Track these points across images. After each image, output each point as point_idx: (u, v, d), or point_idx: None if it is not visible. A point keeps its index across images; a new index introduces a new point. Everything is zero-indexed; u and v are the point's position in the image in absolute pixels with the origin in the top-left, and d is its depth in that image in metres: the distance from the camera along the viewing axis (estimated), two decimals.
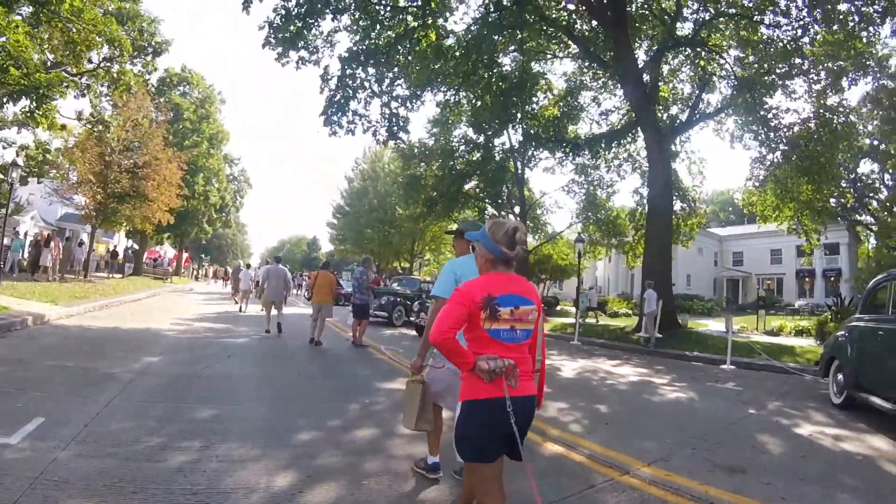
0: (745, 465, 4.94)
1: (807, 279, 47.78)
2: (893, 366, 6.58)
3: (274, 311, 13.50)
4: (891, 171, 32.35)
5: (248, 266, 23.82)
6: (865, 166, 34.96)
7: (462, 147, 27.27)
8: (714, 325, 24.92)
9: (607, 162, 26.20)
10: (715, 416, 7.24)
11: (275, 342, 12.26)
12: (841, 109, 19.47)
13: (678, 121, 22.54)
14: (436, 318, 2.54)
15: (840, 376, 7.92)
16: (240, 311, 19.64)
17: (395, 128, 19.42)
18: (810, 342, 17.33)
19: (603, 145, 23.63)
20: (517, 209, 28.14)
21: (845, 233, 41.65)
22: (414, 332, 15.98)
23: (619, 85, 22.62)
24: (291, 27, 17.63)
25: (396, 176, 33.64)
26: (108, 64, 21.39)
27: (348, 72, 18.16)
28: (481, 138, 25.86)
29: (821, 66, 18.17)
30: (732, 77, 20.55)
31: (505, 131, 25.71)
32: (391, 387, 7.85)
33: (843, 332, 8.30)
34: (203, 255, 72.05)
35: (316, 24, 17.97)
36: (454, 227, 37.43)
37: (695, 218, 24.89)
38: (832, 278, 45.69)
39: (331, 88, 18.44)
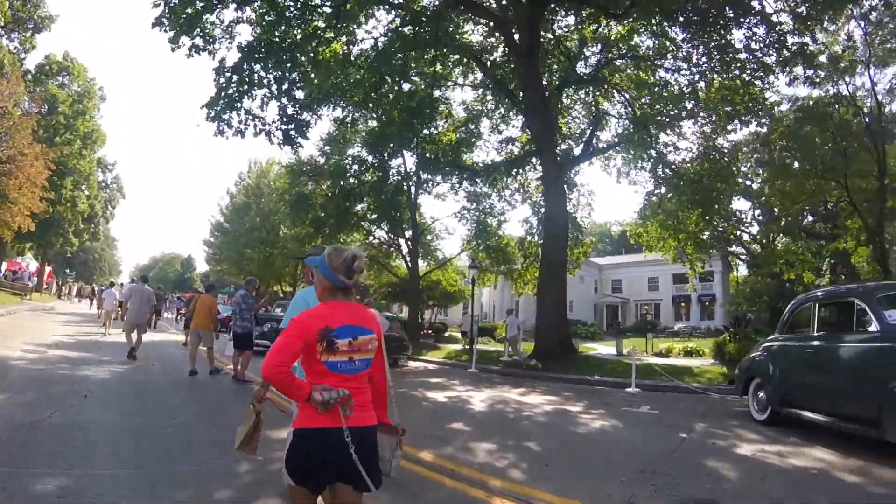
0: (715, 497, 4.75)
1: (682, 304, 51.78)
2: (823, 382, 6.88)
3: (135, 335, 12.37)
4: (761, 208, 35.59)
5: (113, 285, 22.00)
6: (737, 203, 38.46)
7: (355, 167, 26.18)
8: (602, 349, 25.54)
9: (499, 191, 26.43)
10: (651, 445, 6.88)
11: (142, 377, 10.34)
12: (726, 150, 21.04)
13: (572, 154, 23.03)
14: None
15: (762, 394, 8.13)
16: (104, 334, 17.72)
17: (294, 132, 17.74)
18: (703, 362, 18.22)
19: (502, 171, 23.52)
20: (408, 233, 27.45)
21: (719, 262, 45.11)
22: None
23: (518, 115, 23.09)
24: (189, 9, 15.69)
25: (283, 193, 31.05)
26: None
27: (246, 66, 16.31)
28: (376, 158, 24.97)
29: (714, 110, 19.25)
30: (627, 115, 21.61)
31: (402, 154, 25.11)
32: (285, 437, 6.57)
33: (760, 353, 8.53)
34: (67, 271, 63.21)
35: (218, 9, 16.20)
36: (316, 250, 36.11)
37: (581, 247, 25.45)
38: (707, 303, 49.94)
39: (225, 79, 16.36)
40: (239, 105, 16.56)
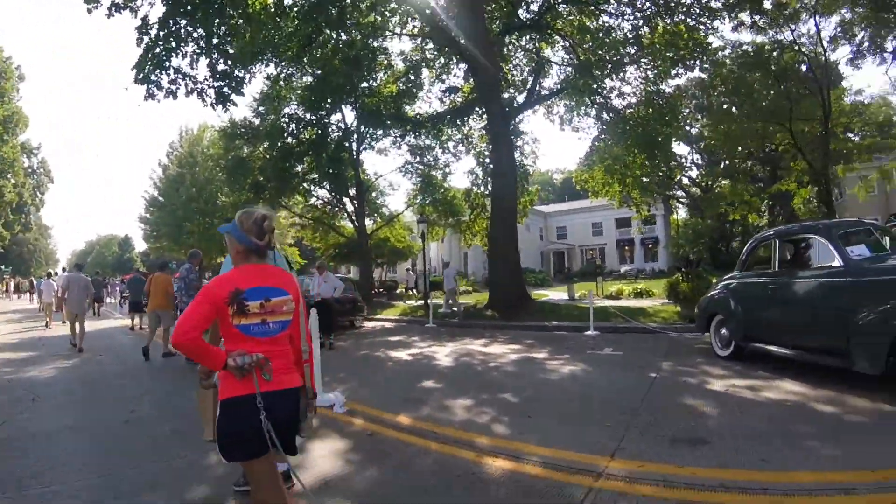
0: (701, 435, 4.66)
1: (626, 247, 53.39)
2: (788, 316, 7.02)
3: (78, 326, 11.97)
4: (700, 153, 36.46)
5: (50, 275, 21.42)
6: (677, 148, 39.65)
7: (293, 126, 24.85)
8: (554, 295, 25.89)
9: (443, 143, 26.02)
10: (625, 388, 6.86)
11: (91, 370, 9.64)
12: (668, 94, 21.17)
13: (516, 102, 22.70)
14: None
15: (724, 331, 8.35)
16: (45, 326, 17.56)
17: (227, 90, 16.48)
18: (654, 302, 18.76)
19: (446, 122, 23.01)
20: (353, 192, 26.73)
21: (661, 205, 46.21)
22: None
23: (460, 64, 22.43)
24: None
25: (218, 159, 29.49)
26: None
27: (172, 22, 14.96)
28: (314, 116, 23.90)
29: (658, 55, 19.23)
30: (570, 62, 21.32)
31: (341, 109, 24.19)
32: None
33: (720, 290, 8.72)
34: (3, 267, 58.59)
35: None
36: (282, 213, 35.24)
37: (527, 196, 25.41)
38: (650, 245, 51.75)
39: (150, 39, 14.93)
40: (168, 64, 15.23)
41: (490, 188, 21.43)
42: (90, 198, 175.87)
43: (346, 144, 25.37)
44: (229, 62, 16.21)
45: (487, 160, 23.87)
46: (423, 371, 8.83)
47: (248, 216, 2.58)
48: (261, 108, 26.06)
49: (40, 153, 42.85)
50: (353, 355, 11.02)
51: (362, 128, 25.09)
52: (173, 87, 15.57)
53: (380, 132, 25.48)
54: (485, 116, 21.12)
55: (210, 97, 16.31)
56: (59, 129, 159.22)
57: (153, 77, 15.20)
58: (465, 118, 23.00)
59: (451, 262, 49.44)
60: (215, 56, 15.64)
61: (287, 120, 24.96)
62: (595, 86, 19.30)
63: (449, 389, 7.19)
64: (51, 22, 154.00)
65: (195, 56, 15.42)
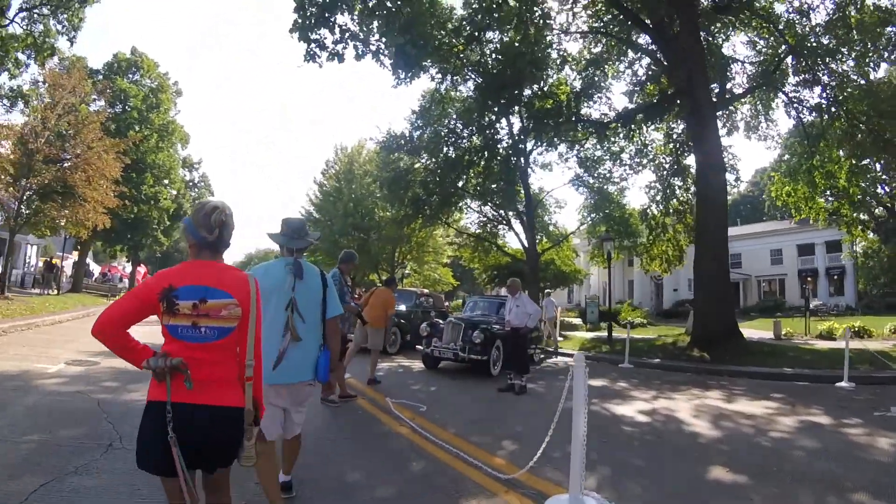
0: None
1: (809, 279, 45.80)
2: None
3: None
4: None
5: None
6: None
7: (458, 132, 22.92)
8: (748, 332, 21.51)
9: (615, 155, 23.06)
10: None
11: None
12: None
13: (721, 93, 18.88)
14: None
15: None
16: None
17: (410, 47, 14.15)
18: (886, 344, 15.26)
19: (638, 120, 19.71)
20: (520, 207, 24.27)
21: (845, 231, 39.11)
22: (419, 364, 11.86)
23: (641, 60, 19.82)
24: None
25: (378, 173, 28.42)
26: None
27: None
28: (484, 120, 21.79)
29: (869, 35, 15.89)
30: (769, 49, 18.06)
31: (508, 115, 21.82)
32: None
33: None
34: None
35: None
36: (439, 231, 33.71)
37: None
38: (836, 277, 44.39)
39: None
40: (332, 18, 13.52)
41: (694, 194, 17.97)
42: (250, 213, 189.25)
43: (513, 156, 22.95)
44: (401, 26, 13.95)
45: (666, 173, 20.72)
46: (686, 446, 5.85)
47: (198, 209, 2.35)
48: (418, 122, 24.76)
49: (201, 167, 45.41)
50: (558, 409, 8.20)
51: (531, 136, 22.52)
52: (340, 49, 13.87)
53: (551, 139, 22.57)
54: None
55: (387, 58, 14.36)
56: (222, 148, 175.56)
57: (314, 34, 13.52)
58: (662, 115, 19.28)
59: (614, 290, 45.93)
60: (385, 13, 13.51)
61: (450, 129, 23.18)
62: (804, 76, 15.96)
63: (762, 487, 4.49)
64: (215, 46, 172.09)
65: (365, 15, 13.49)
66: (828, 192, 19.13)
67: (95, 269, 47.64)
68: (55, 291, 26.53)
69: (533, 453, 4.50)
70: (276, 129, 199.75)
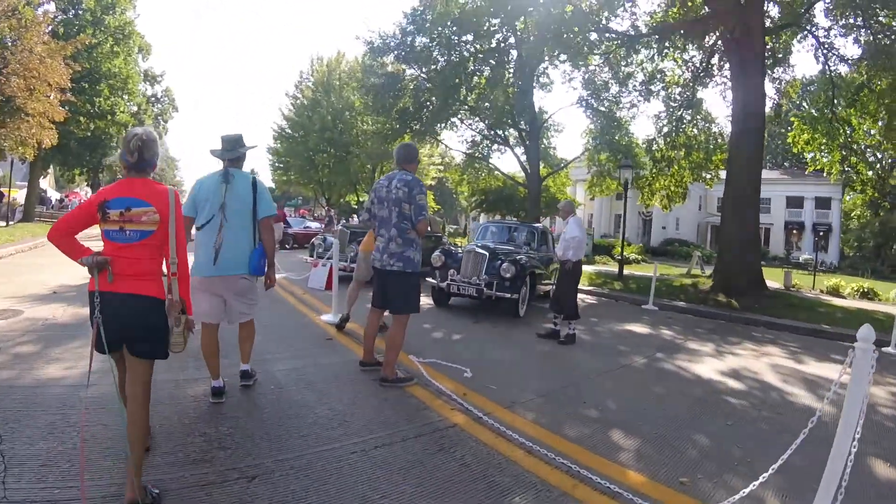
0: None
1: (794, 231, 45.19)
2: None
3: None
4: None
5: None
6: None
7: (453, 39, 20.15)
8: None
9: (622, 80, 20.50)
10: None
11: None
12: None
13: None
14: None
15: None
16: None
17: None
18: None
19: (676, 37, 17.22)
20: (522, 125, 21.92)
21: (838, 188, 39.67)
22: (424, 299, 9.61)
23: None
24: None
25: (364, 79, 24.52)
26: None
27: None
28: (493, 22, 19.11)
29: None
30: None
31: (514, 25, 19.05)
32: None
33: None
34: None
35: None
36: (424, 150, 31.14)
37: (720, 154, 19.69)
38: (821, 233, 43.85)
39: None
40: None
41: (730, 131, 15.95)
42: (217, 128, 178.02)
43: (530, 60, 20.09)
44: None
45: (675, 104, 18.72)
46: (823, 434, 4.12)
47: (125, 137, 2.73)
48: (410, 27, 21.51)
49: (164, 80, 40.48)
50: (618, 364, 6.43)
51: (547, 48, 19.76)
52: None
53: (556, 55, 20.03)
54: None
55: None
56: (184, 58, 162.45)
57: None
58: (704, 35, 16.79)
59: (601, 224, 44.89)
60: None
61: (446, 35, 20.33)
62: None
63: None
64: None
65: None
66: (849, 148, 17.71)
67: (55, 196, 43.77)
68: (3, 223, 23.49)
69: (666, 449, 3.75)
70: (250, 38, 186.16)
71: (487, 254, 8.64)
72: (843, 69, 16.49)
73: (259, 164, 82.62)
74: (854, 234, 43.49)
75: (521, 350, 6.63)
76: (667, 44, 17.23)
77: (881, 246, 39.93)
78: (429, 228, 6.60)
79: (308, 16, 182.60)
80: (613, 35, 17.37)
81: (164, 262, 2.73)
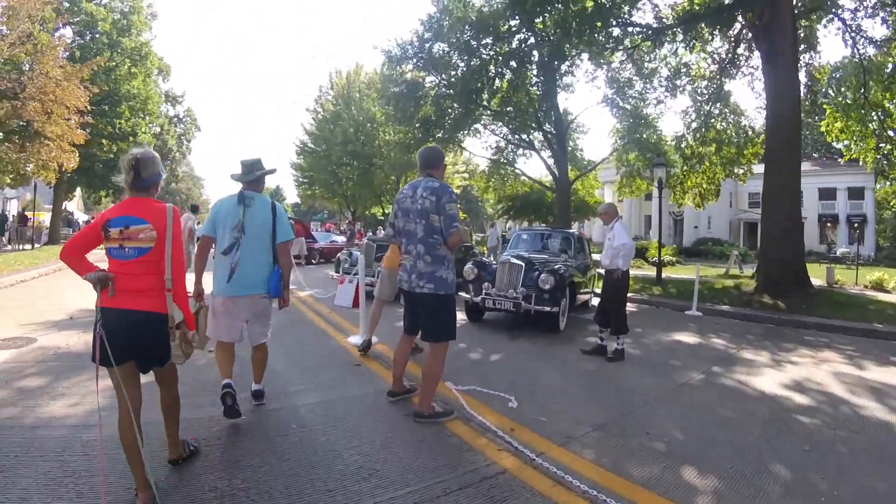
0: None
1: (829, 224, 43.76)
2: None
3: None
4: None
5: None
6: None
7: (471, 43, 19.35)
8: None
9: (647, 76, 19.86)
10: None
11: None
12: None
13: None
14: None
15: None
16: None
17: None
18: None
19: (704, 27, 16.55)
20: (548, 127, 21.22)
21: (871, 177, 38.77)
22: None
23: None
24: None
25: (383, 89, 24.05)
26: None
27: None
28: (514, 20, 18.44)
29: None
30: None
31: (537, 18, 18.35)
32: None
33: None
34: None
35: None
36: (448, 159, 30.63)
37: (751, 147, 19.23)
38: (856, 225, 42.10)
39: None
40: None
41: (765, 121, 15.20)
42: (238, 148, 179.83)
43: (552, 59, 19.43)
44: None
45: (712, 95, 18.15)
46: None
47: (122, 158, 2.91)
48: (427, 34, 20.82)
49: (185, 100, 40.57)
50: (674, 383, 5.84)
51: (567, 44, 19.06)
52: None
53: (584, 48, 19.15)
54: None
55: None
56: (203, 80, 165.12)
57: None
58: (731, 23, 16.11)
59: (631, 226, 43.98)
60: None
61: (464, 41, 19.75)
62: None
63: None
64: None
65: None
66: (883, 135, 16.76)
67: (82, 218, 44.36)
68: (30, 246, 23.69)
69: (745, 486, 3.34)
70: (268, 56, 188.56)
71: (524, 264, 8.08)
72: (871, 51, 15.72)
73: (283, 180, 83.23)
74: (890, 224, 41.93)
75: (567, 370, 6.06)
76: (692, 34, 16.53)
77: None
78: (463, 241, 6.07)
79: (309, 15, 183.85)
80: (637, 28, 16.76)
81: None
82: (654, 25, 16.60)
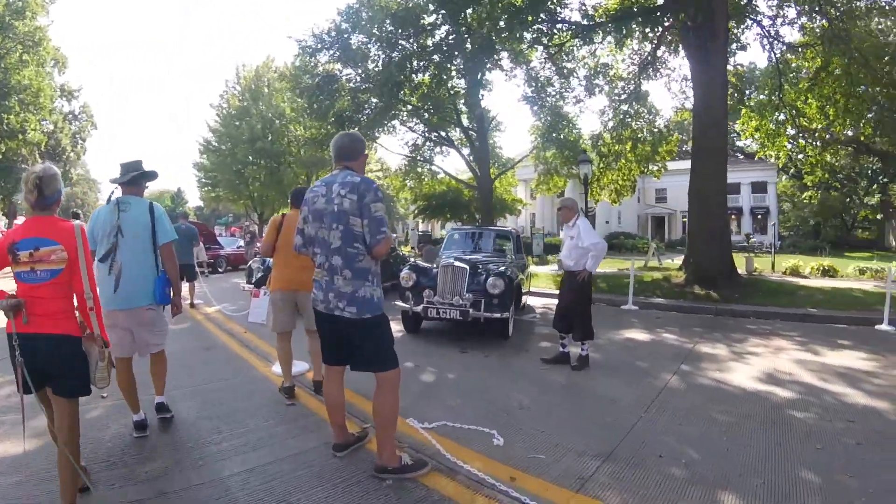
0: None
1: (733, 216, 46.59)
2: None
3: None
4: None
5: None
6: None
7: (390, 36, 18.52)
8: None
9: (565, 75, 19.67)
10: None
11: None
12: None
13: None
14: None
15: None
16: None
17: None
18: (863, 284, 14.12)
19: (637, 23, 16.40)
20: (466, 123, 20.65)
21: (773, 172, 42.45)
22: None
23: None
24: None
25: (297, 80, 21.76)
26: None
27: None
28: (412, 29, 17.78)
29: None
30: None
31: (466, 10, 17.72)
32: None
33: None
34: None
35: None
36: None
37: (665, 145, 19.78)
38: (759, 216, 45.75)
39: None
40: None
41: (693, 119, 15.46)
42: (139, 147, 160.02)
43: (482, 52, 18.62)
44: None
45: (632, 95, 18.24)
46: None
47: (24, 176, 2.73)
48: (344, 25, 19.68)
49: (80, 96, 36.79)
50: (653, 388, 5.29)
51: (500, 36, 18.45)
52: None
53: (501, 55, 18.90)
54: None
55: None
56: (102, 71, 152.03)
57: None
58: (662, 21, 15.93)
59: (543, 222, 45.02)
60: None
61: (384, 34, 18.81)
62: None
63: None
64: None
65: None
66: (797, 133, 17.81)
67: None
68: None
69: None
70: (172, 50, 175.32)
71: (468, 267, 7.24)
72: (789, 56, 16.62)
73: (185, 182, 78.28)
74: (794, 215, 45.45)
75: (536, 386, 5.31)
76: (624, 32, 16.51)
77: (820, 224, 42.36)
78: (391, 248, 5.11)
79: (235, 23, 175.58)
80: (567, 25, 16.53)
81: (74, 299, 2.71)
82: (585, 23, 16.40)
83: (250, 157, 32.67)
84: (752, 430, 4.18)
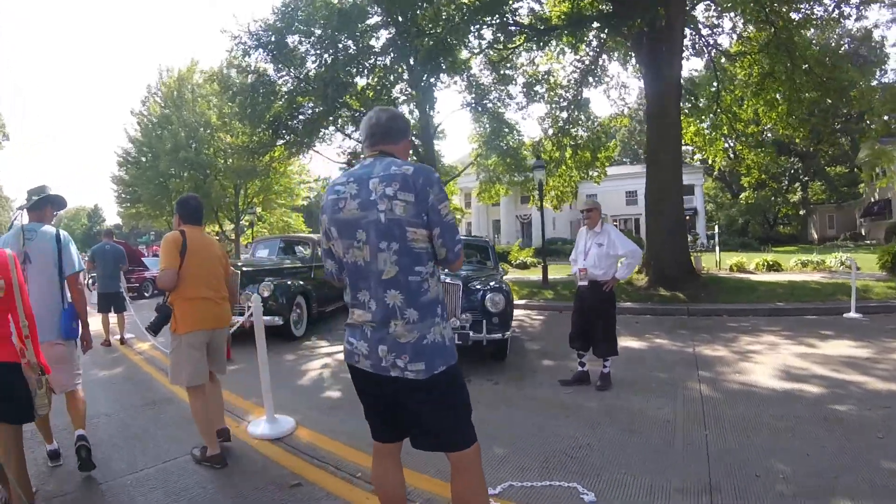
0: None
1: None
2: None
3: None
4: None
5: None
6: None
7: (333, 36, 17.45)
8: None
9: (505, 81, 19.60)
10: None
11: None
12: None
13: None
14: None
15: None
16: None
17: None
18: (814, 276, 14.98)
19: (589, 28, 16.30)
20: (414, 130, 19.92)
21: (699, 175, 44.30)
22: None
23: None
24: None
25: (224, 84, 20.66)
26: None
27: None
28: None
29: None
30: None
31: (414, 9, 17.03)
32: None
33: None
34: None
35: None
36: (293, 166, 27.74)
37: (605, 151, 20.14)
38: (688, 217, 46.99)
39: None
40: None
41: (647, 123, 15.87)
42: (54, 162, 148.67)
43: (439, 54, 17.39)
44: None
45: (573, 102, 18.37)
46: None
47: None
48: (279, 23, 18.14)
49: None
50: (688, 399, 4.89)
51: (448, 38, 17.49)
52: None
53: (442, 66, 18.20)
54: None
55: None
56: (12, 75, 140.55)
57: None
58: (621, 26, 15.83)
59: (480, 230, 45.52)
60: None
61: (325, 35, 17.79)
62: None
63: None
64: None
65: None
66: (737, 136, 18.59)
67: None
68: None
69: None
70: (88, 52, 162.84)
71: (461, 283, 6.42)
72: (725, 63, 17.32)
73: (103, 198, 73.42)
74: (722, 214, 48.15)
75: (578, 417, 4.58)
76: (578, 36, 16.49)
77: (748, 222, 45.24)
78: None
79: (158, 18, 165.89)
80: (517, 28, 16.27)
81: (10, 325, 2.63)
82: (541, 27, 16.17)
83: (173, 169, 30.42)
84: (812, 430, 4.09)
